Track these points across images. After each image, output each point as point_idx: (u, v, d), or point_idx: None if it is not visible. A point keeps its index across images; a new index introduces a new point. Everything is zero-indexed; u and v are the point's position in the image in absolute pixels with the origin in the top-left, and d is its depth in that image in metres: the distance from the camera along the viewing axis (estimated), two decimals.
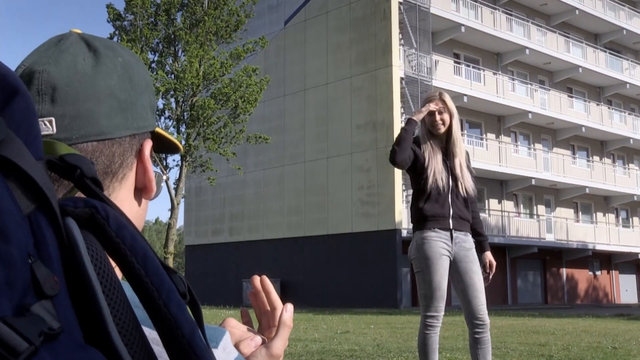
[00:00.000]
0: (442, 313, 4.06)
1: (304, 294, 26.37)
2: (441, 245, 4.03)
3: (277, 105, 29.36)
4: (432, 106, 4.08)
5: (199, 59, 23.08)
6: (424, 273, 4.02)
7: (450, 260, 4.08)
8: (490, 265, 4.22)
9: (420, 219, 4.10)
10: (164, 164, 24.04)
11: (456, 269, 4.07)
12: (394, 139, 4.20)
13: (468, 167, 4.26)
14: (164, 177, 0.94)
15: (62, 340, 0.45)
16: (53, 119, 0.75)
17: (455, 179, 4.15)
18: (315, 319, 14.83)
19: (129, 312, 0.52)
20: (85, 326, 0.49)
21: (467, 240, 4.14)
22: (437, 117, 4.12)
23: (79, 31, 0.83)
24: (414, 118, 4.08)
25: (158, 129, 0.87)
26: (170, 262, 26.12)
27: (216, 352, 0.78)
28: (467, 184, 4.16)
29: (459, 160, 4.17)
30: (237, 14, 23.84)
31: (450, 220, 4.09)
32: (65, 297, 0.48)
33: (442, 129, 4.13)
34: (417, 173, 4.14)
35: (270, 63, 29.38)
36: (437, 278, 3.99)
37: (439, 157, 4.12)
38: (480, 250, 4.27)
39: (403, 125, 4.11)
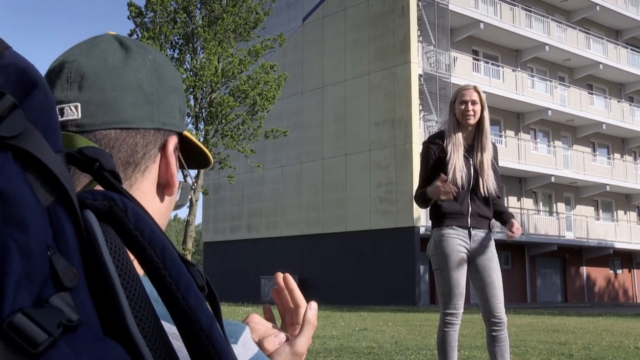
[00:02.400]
0: (461, 310, 4.02)
1: (322, 291, 26.44)
2: (459, 243, 4.01)
3: (295, 102, 29.45)
4: (442, 186, 3.97)
5: (218, 56, 23.18)
6: (441, 270, 4.01)
7: (468, 258, 4.06)
8: (515, 228, 4.08)
9: (439, 216, 4.09)
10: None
11: (474, 267, 4.05)
12: (416, 196, 4.20)
13: (494, 163, 4.20)
14: (192, 187, 0.94)
15: (81, 332, 0.45)
16: (79, 104, 0.77)
17: (477, 176, 4.09)
18: (333, 316, 14.87)
19: (147, 305, 0.52)
20: (103, 318, 0.49)
21: (486, 238, 4.11)
22: (470, 107, 4.07)
23: (113, 33, 0.86)
24: (428, 195, 4.05)
25: (187, 133, 0.87)
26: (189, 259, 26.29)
27: (235, 348, 0.78)
28: (489, 182, 4.10)
29: (486, 156, 4.11)
30: (255, 12, 23.91)
31: (469, 219, 4.07)
32: (84, 289, 0.48)
33: (473, 121, 4.09)
34: (437, 169, 4.09)
35: (289, 60, 29.47)
36: (455, 275, 3.98)
37: (460, 153, 4.06)
38: (504, 222, 4.19)
39: (420, 197, 4.12)
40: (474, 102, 4.07)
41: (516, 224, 4.09)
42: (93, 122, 0.77)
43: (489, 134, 4.16)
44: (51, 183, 0.48)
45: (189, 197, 0.91)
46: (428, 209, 4.24)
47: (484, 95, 4.14)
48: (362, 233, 26.33)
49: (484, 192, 4.08)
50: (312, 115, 28.86)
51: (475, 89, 4.12)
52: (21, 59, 0.50)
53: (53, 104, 0.52)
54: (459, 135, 4.10)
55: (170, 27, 23.73)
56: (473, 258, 4.05)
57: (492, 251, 4.09)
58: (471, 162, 4.09)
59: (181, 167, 0.88)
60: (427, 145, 4.20)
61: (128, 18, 24.20)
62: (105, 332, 0.48)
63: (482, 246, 4.08)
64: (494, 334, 3.99)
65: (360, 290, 25.80)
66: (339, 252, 26.96)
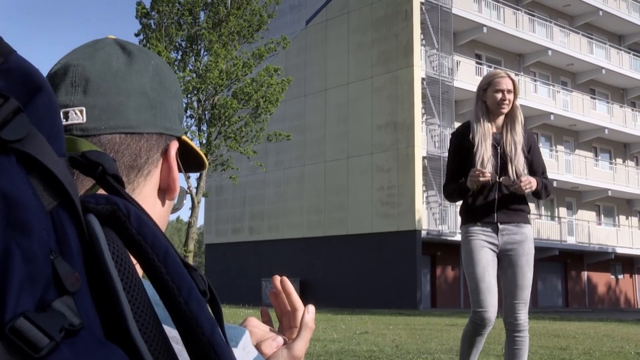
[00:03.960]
0: (491, 310, 3.76)
1: (323, 293, 26.49)
2: (482, 238, 3.83)
3: (298, 104, 29.55)
4: (485, 176, 3.77)
5: (223, 58, 23.25)
6: (466, 266, 3.85)
7: (498, 254, 3.87)
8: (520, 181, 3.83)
9: (466, 213, 3.93)
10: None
11: (501, 263, 3.87)
12: (446, 191, 4.03)
13: (532, 146, 4.01)
14: (187, 191, 0.96)
15: (83, 336, 0.45)
16: (84, 109, 0.77)
17: (505, 165, 3.88)
18: (334, 319, 14.88)
19: (149, 309, 0.52)
20: (105, 322, 0.49)
21: (518, 232, 3.88)
22: (506, 95, 3.89)
23: (113, 37, 0.86)
24: (469, 186, 3.85)
25: (185, 137, 0.88)
26: (190, 261, 26.28)
27: (236, 351, 0.78)
28: (519, 165, 3.87)
29: (517, 139, 3.91)
30: (259, 14, 24.01)
31: (496, 214, 3.87)
32: (86, 293, 0.48)
33: (507, 110, 3.92)
34: (466, 160, 3.90)
35: (292, 62, 29.57)
36: (480, 270, 3.78)
37: (488, 144, 3.86)
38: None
39: (457, 190, 3.94)
40: (509, 91, 3.90)
41: (530, 178, 3.84)
42: (98, 126, 0.77)
43: (521, 120, 3.96)
44: (54, 187, 0.49)
45: (184, 201, 0.91)
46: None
47: (517, 82, 4.01)
48: (363, 236, 26.38)
49: (513, 176, 3.84)
50: (315, 117, 28.95)
51: (509, 76, 3.95)
52: (25, 63, 0.50)
53: (57, 108, 0.52)
54: (487, 125, 3.91)
55: (175, 28, 23.83)
56: (501, 254, 3.86)
57: (523, 247, 3.86)
58: (499, 151, 3.89)
59: (179, 171, 0.88)
60: (455, 136, 4.02)
61: (136, 17, 24.36)
62: (107, 336, 0.49)
63: (512, 241, 3.86)
64: (512, 335, 3.85)
65: (362, 293, 25.84)
66: (340, 255, 27.00)
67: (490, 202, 3.88)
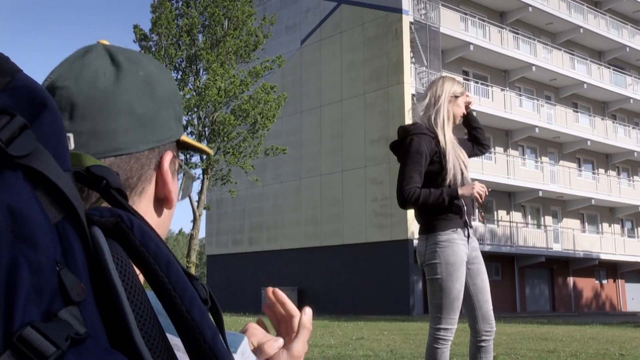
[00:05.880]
0: (456, 326, 3.51)
1: (320, 301, 26.70)
2: (463, 250, 3.51)
3: (294, 121, 29.88)
4: (478, 190, 3.52)
5: (220, 77, 23.71)
6: (444, 280, 3.45)
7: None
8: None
9: (440, 219, 3.52)
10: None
11: (468, 271, 3.59)
12: (419, 197, 3.49)
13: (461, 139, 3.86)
14: (194, 177, 0.93)
15: (88, 344, 0.46)
16: (71, 136, 0.70)
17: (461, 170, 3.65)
18: (331, 326, 14.88)
19: (153, 318, 0.53)
20: (110, 331, 0.50)
21: (474, 239, 3.66)
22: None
23: (105, 42, 0.82)
24: (461, 192, 3.51)
25: (184, 138, 0.85)
26: (192, 271, 26.37)
27: (235, 357, 0.78)
28: (467, 168, 3.68)
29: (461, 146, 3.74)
30: (255, 35, 24.22)
31: (465, 218, 3.58)
32: (92, 303, 0.49)
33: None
34: (434, 169, 3.58)
35: (287, 81, 29.92)
36: (458, 287, 3.46)
37: (457, 151, 3.63)
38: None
39: (445, 196, 3.49)
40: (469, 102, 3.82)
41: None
42: (86, 152, 0.71)
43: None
44: (60, 201, 0.50)
45: (191, 187, 0.90)
46: (419, 211, 3.63)
47: None
48: (358, 246, 26.63)
49: (470, 181, 3.64)
50: (310, 133, 29.26)
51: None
52: (31, 82, 0.52)
53: (62, 124, 0.53)
54: (450, 130, 3.69)
55: (175, 49, 24.35)
56: (470, 261, 3.60)
57: (480, 254, 3.68)
58: (461, 155, 3.69)
59: (182, 166, 0.86)
60: (419, 137, 3.58)
61: (134, 42, 24.86)
62: (112, 344, 0.49)
63: (473, 248, 3.63)
64: (483, 344, 3.55)
65: (357, 301, 26.03)
66: (336, 264, 27.21)
67: (461, 207, 3.58)
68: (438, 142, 3.60)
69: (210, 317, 0.58)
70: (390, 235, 25.76)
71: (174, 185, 0.81)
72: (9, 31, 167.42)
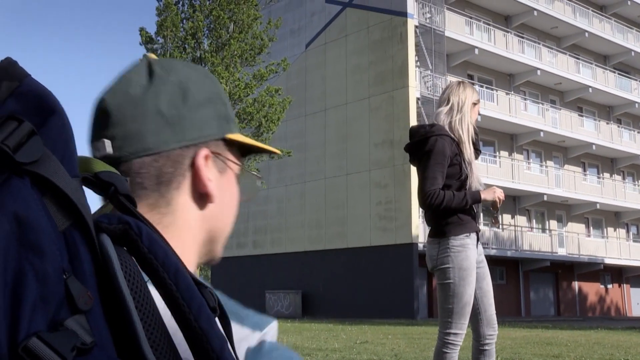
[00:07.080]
0: (465, 331, 3.51)
1: (324, 305, 26.81)
2: (474, 255, 3.51)
3: (299, 124, 29.98)
4: (499, 194, 3.57)
5: (225, 80, 23.85)
6: (457, 285, 3.43)
7: None
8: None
9: (456, 223, 3.51)
10: None
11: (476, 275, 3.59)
12: (443, 199, 3.46)
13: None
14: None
15: (95, 354, 0.46)
16: (109, 142, 0.78)
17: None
18: (335, 329, 14.90)
19: (161, 327, 0.53)
20: (118, 341, 0.49)
21: (479, 243, 3.67)
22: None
23: (153, 56, 0.85)
24: (484, 197, 3.54)
25: (232, 136, 0.84)
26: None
27: (255, 336, 0.79)
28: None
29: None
30: (260, 38, 24.27)
31: (477, 223, 3.62)
32: (99, 312, 0.48)
33: None
34: (452, 171, 3.57)
35: (292, 84, 30.01)
36: (470, 292, 3.45)
37: (473, 156, 3.66)
38: None
39: (468, 199, 3.50)
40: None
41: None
42: (121, 154, 0.77)
43: None
44: (67, 207, 0.50)
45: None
46: (434, 214, 3.59)
47: None
48: (362, 249, 26.67)
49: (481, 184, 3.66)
50: (315, 136, 29.38)
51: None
52: (39, 86, 0.52)
53: (70, 130, 0.53)
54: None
55: (180, 52, 24.47)
56: (477, 265, 3.60)
57: (484, 257, 3.70)
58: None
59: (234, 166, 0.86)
60: (443, 138, 3.55)
61: (140, 44, 25.01)
62: (119, 354, 0.49)
63: (481, 251, 3.67)
64: (486, 347, 3.55)
65: (361, 304, 26.06)
66: (340, 268, 27.26)
67: (474, 212, 3.62)
68: (457, 144, 3.60)
69: (219, 325, 0.58)
70: (395, 238, 25.80)
71: (211, 180, 0.82)
72: (9, 31, 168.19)
